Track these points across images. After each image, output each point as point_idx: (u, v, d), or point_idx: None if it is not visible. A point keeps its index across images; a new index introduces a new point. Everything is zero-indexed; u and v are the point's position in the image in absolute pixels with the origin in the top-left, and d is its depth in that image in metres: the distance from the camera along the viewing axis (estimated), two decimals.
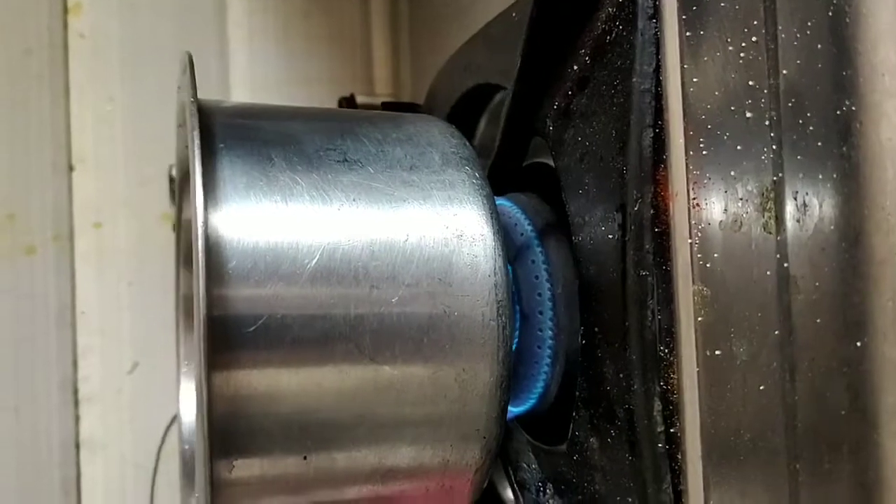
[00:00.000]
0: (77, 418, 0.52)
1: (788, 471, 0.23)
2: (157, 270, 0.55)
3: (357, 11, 0.63)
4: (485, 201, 0.31)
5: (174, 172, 0.54)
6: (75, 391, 0.52)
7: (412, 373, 0.29)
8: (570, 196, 0.30)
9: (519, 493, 0.32)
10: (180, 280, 0.43)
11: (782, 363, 0.23)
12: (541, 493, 0.32)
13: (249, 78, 0.59)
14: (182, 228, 0.42)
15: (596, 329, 0.29)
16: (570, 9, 0.30)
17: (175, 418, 0.52)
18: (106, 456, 0.53)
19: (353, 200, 0.30)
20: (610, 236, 0.28)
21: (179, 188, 0.42)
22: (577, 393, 0.30)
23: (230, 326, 0.27)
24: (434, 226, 0.30)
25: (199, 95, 0.31)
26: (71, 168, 0.56)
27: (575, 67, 0.30)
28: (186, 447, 0.40)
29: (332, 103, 0.61)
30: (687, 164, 0.26)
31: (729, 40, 0.25)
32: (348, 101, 0.61)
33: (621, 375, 0.28)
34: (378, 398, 0.29)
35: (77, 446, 0.52)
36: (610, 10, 0.29)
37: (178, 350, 0.43)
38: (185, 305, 0.43)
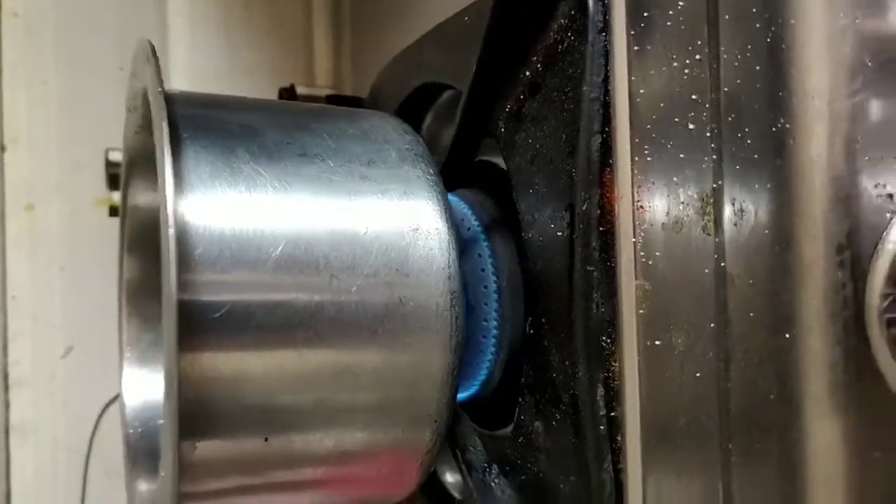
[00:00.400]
0: (7, 403, 0.51)
1: (721, 451, 0.26)
2: (90, 255, 0.55)
3: (299, 4, 0.63)
4: (439, 197, 0.33)
5: (111, 156, 0.53)
6: (5, 375, 0.51)
7: (368, 359, 0.31)
8: (521, 195, 0.32)
9: (467, 474, 0.34)
10: (124, 265, 0.43)
11: (717, 353, 0.26)
12: (487, 474, 0.34)
13: (190, 67, 0.59)
14: (128, 214, 0.42)
15: (543, 320, 0.31)
16: (525, 18, 0.32)
17: (110, 403, 0.52)
18: (37, 441, 0.52)
19: (314, 193, 0.31)
20: (559, 234, 0.30)
21: (126, 173, 0.42)
22: (523, 380, 0.32)
23: (196, 312, 0.28)
24: (392, 219, 0.32)
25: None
26: (2, 148, 0.54)
27: (527, 73, 0.32)
28: (131, 431, 0.40)
29: (272, 94, 0.61)
30: (632, 169, 0.28)
31: (674, 56, 0.27)
32: (289, 92, 0.61)
33: (567, 363, 0.30)
34: (336, 383, 0.30)
35: (7, 431, 0.51)
36: (562, 21, 0.31)
37: (120, 334, 0.43)
38: (128, 290, 0.43)
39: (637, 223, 0.28)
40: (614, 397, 0.29)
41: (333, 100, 0.54)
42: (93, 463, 0.54)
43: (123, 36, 0.58)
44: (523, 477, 0.33)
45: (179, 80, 0.58)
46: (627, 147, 0.28)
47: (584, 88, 0.29)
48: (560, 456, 0.31)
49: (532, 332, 0.32)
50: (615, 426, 0.29)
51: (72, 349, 0.55)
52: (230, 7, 0.61)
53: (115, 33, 0.58)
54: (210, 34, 0.59)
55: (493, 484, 0.34)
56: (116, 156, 0.54)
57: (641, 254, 0.28)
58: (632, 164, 0.28)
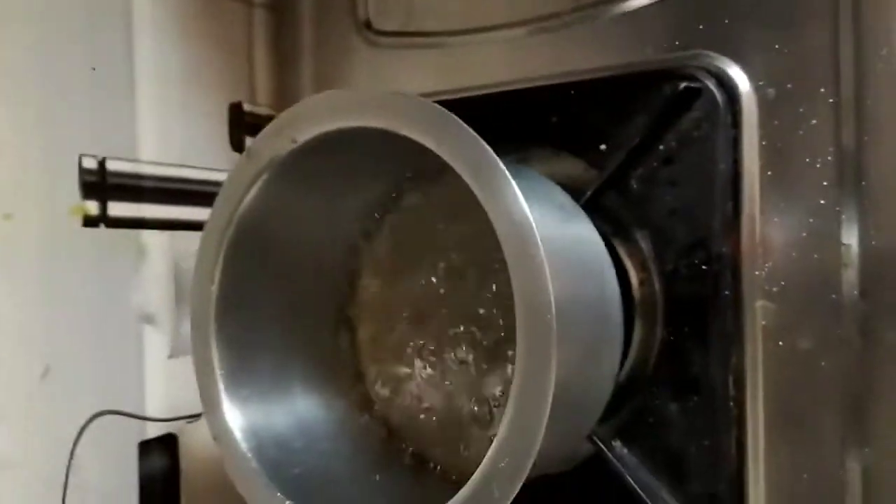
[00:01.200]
0: None
1: (839, 431, 0.40)
2: (63, 267, 0.52)
3: (241, 18, 0.65)
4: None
5: (85, 163, 0.52)
6: None
7: None
8: (656, 238, 0.44)
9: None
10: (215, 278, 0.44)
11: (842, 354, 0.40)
12: (610, 445, 0.44)
13: (154, 71, 0.58)
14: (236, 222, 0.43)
15: (686, 329, 0.43)
16: (666, 110, 0.43)
17: (86, 424, 0.50)
18: (14, 474, 0.48)
19: None
20: (703, 267, 0.42)
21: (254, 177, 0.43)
22: (655, 373, 0.44)
23: None
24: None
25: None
26: None
27: (661, 148, 0.44)
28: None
29: (224, 106, 0.63)
30: (758, 228, 0.42)
31: (807, 157, 0.41)
32: (236, 108, 0.63)
33: (705, 360, 0.42)
34: None
35: None
36: (697, 114, 0.43)
37: (206, 352, 0.44)
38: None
39: (763, 261, 0.42)
40: (741, 385, 0.42)
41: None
42: (71, 492, 0.51)
43: (93, 36, 0.56)
44: (651, 446, 0.44)
45: (144, 85, 0.57)
46: (756, 213, 0.42)
47: (721, 166, 0.42)
48: (692, 428, 0.43)
49: (672, 338, 0.43)
50: (741, 406, 0.42)
51: (49, 370, 0.51)
52: (186, 15, 0.61)
53: (84, 34, 0.56)
54: (170, 40, 0.59)
55: (622, 452, 0.44)
56: (90, 163, 0.53)
57: (765, 284, 0.42)
58: (758, 226, 0.42)
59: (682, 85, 0.43)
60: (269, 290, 0.47)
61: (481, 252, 0.47)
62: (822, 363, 0.41)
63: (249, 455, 0.42)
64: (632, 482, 0.43)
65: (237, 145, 0.63)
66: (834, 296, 0.40)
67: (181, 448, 0.57)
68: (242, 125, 0.63)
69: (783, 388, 0.42)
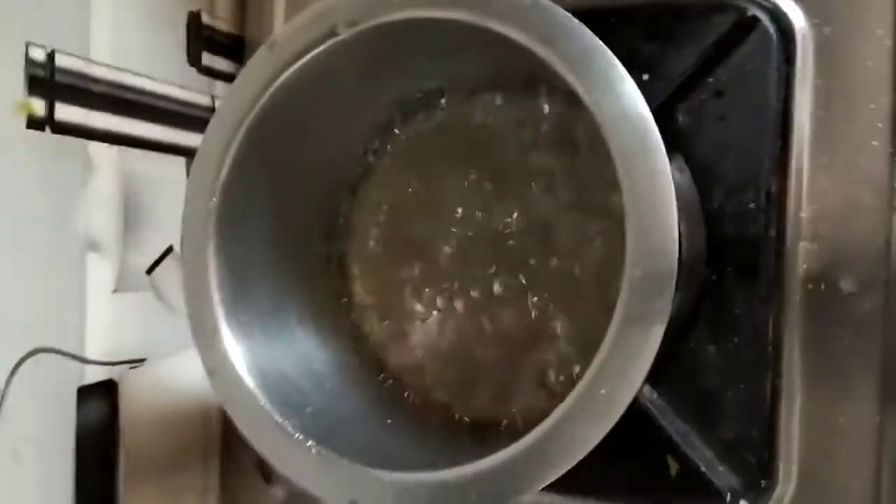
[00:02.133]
0: None
1: (880, 377, 0.40)
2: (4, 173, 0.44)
3: None
4: None
5: (32, 53, 0.45)
6: None
7: None
8: (702, 174, 0.41)
9: None
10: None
11: (885, 298, 0.40)
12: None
13: None
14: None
15: (729, 269, 0.41)
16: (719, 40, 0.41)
17: (19, 363, 0.43)
18: None
19: None
20: (750, 206, 0.41)
21: None
22: (694, 314, 0.41)
23: None
24: None
25: None
26: None
27: (710, 80, 0.42)
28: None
29: (182, 16, 0.55)
30: (808, 166, 0.41)
31: (862, 96, 0.40)
32: (195, 17, 0.56)
33: (750, 301, 0.41)
34: None
35: None
36: (748, 48, 0.41)
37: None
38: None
39: (808, 202, 0.41)
40: (780, 329, 0.41)
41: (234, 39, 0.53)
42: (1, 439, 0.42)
43: None
44: (682, 389, 0.42)
45: None
46: (805, 153, 0.41)
47: (772, 103, 0.41)
48: (728, 372, 0.41)
49: (715, 278, 0.41)
50: (779, 349, 0.41)
51: None
52: None
53: None
54: None
55: (651, 395, 0.42)
56: (38, 53, 0.45)
57: (809, 224, 0.41)
58: (807, 166, 0.41)
59: (736, 17, 0.41)
60: (269, 204, 0.41)
61: (510, 180, 0.43)
62: (865, 307, 0.40)
63: (257, 391, 0.36)
64: (664, 423, 0.41)
65: (194, 59, 0.55)
66: (881, 239, 0.40)
67: (121, 397, 0.49)
68: (200, 38, 0.55)
69: (823, 332, 0.41)
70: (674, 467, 0.41)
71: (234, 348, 0.37)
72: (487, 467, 0.32)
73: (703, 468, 0.40)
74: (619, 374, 0.30)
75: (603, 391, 0.30)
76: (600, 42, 0.32)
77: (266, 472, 0.50)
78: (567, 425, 0.31)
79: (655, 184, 0.30)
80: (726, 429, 0.41)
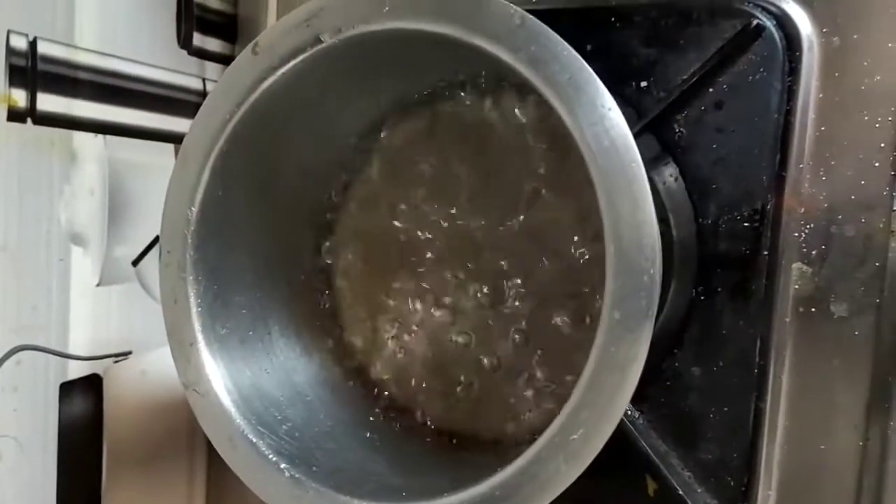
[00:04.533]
0: None
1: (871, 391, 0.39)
2: None
3: None
4: None
5: (13, 42, 0.44)
6: None
7: None
8: (695, 187, 0.40)
9: None
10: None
11: (876, 322, 0.38)
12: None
13: None
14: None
15: (718, 289, 0.40)
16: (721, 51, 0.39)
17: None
18: None
19: None
20: (745, 224, 0.39)
21: None
22: (680, 334, 0.41)
23: None
24: None
25: None
26: None
27: (711, 91, 0.40)
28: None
29: None
30: (806, 183, 0.39)
31: (865, 113, 0.39)
32: None
33: (739, 322, 0.40)
34: None
35: None
36: (753, 57, 0.39)
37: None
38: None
39: (804, 222, 0.39)
40: (767, 349, 0.40)
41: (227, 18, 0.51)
42: None
43: None
44: (664, 409, 0.41)
45: None
46: (804, 170, 0.39)
47: (774, 116, 0.39)
48: (711, 394, 0.40)
49: (703, 298, 0.40)
50: (765, 372, 0.40)
51: None
52: None
53: None
54: None
55: (633, 415, 0.41)
56: (19, 42, 0.44)
57: (803, 245, 0.40)
58: (807, 180, 0.39)
59: (743, 23, 0.39)
60: (250, 214, 0.40)
61: (498, 184, 0.42)
62: (855, 330, 0.39)
63: (231, 409, 0.36)
64: (643, 443, 0.40)
65: (185, 41, 0.53)
66: (877, 263, 0.38)
67: (106, 391, 0.48)
68: (191, 18, 0.54)
69: (811, 355, 0.40)
70: (651, 486, 0.41)
71: (211, 363, 0.37)
72: (459, 502, 0.31)
73: (680, 490, 0.40)
74: (593, 419, 0.29)
75: (578, 433, 0.29)
76: (590, 71, 0.30)
77: None
78: (539, 467, 0.30)
79: (638, 220, 0.29)
80: (707, 451, 0.41)
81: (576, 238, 0.40)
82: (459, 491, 0.31)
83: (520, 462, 0.31)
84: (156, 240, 0.51)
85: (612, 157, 0.29)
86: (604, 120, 0.30)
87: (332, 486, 0.34)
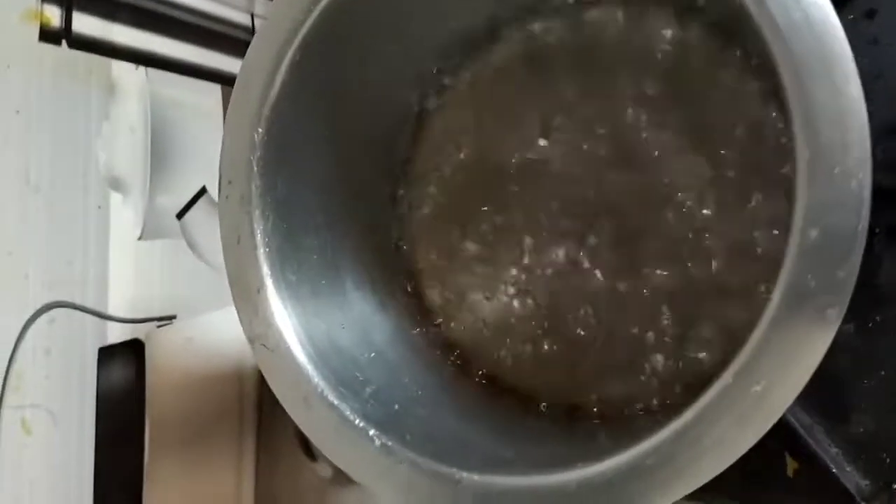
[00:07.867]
0: None
1: None
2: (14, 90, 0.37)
3: None
4: None
5: None
6: None
7: None
8: None
9: None
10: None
11: None
12: None
13: None
14: None
15: (876, 230, 0.34)
16: None
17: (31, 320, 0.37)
18: None
19: None
20: None
21: None
22: None
23: None
24: None
25: None
26: None
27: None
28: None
29: None
30: None
31: None
32: None
33: None
34: None
35: None
36: None
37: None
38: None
39: None
40: None
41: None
42: (7, 408, 0.37)
43: None
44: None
45: None
46: None
47: None
48: (869, 354, 0.34)
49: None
50: None
51: None
52: None
53: None
54: None
55: None
56: None
57: None
58: None
59: None
60: (323, 141, 0.34)
61: (608, 113, 0.36)
62: None
63: (308, 366, 0.30)
64: (786, 415, 0.34)
65: None
66: None
67: (148, 358, 0.43)
68: None
69: None
70: (791, 466, 0.35)
71: (282, 312, 0.31)
72: (595, 474, 0.25)
73: (833, 468, 0.34)
74: (779, 367, 0.23)
75: (759, 385, 0.23)
76: None
77: (309, 446, 0.45)
78: (703, 429, 0.24)
79: (842, 110, 0.23)
80: (859, 423, 0.35)
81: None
82: (603, 459, 0.25)
83: (677, 424, 0.25)
84: (203, 190, 0.45)
85: (804, 33, 0.23)
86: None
87: (431, 456, 0.28)
